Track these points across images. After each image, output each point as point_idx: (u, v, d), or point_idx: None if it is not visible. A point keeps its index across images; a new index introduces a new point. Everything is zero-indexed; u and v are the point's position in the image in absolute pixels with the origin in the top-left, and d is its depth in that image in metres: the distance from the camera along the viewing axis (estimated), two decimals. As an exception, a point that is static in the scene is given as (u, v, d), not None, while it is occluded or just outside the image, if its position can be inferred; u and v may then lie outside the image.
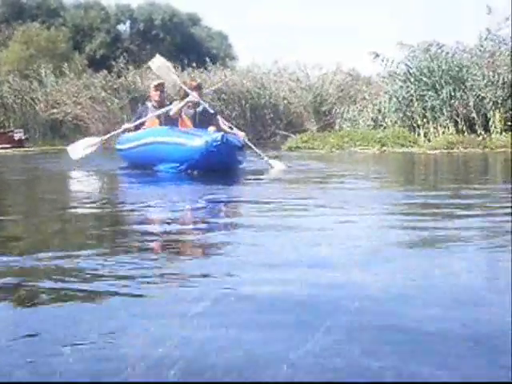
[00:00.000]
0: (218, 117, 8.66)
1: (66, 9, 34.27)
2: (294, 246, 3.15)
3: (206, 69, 21.89)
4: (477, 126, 13.25)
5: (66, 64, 22.42)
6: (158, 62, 9.00)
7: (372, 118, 15.18)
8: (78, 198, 5.80)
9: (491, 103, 13.19)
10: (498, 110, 13.12)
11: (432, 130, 13.54)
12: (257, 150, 8.75)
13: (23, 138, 18.81)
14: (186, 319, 2.02)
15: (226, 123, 8.96)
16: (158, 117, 8.51)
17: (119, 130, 9.64)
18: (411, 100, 14.11)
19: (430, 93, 13.79)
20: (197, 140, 7.41)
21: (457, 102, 13.43)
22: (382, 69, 15.40)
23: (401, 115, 14.31)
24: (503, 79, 13.21)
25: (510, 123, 13.11)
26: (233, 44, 38.79)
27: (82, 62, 26.12)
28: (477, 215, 4.08)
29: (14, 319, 2.10)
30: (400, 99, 14.37)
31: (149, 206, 5.08)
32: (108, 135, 10.45)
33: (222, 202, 5.38)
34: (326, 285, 2.43)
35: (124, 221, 4.49)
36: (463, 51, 14.79)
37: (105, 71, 21.27)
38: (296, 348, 1.76)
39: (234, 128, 9.03)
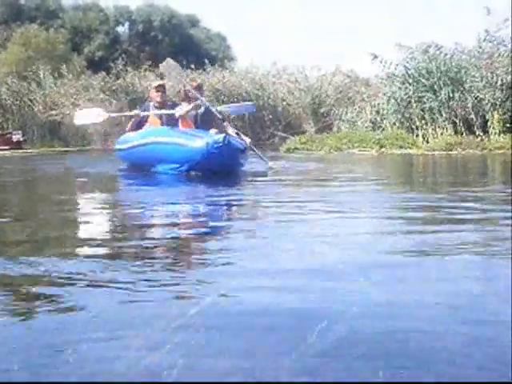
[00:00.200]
0: (226, 123, 8.57)
1: (64, 10, 34.28)
2: (291, 252, 3.14)
3: (204, 70, 21.90)
4: (475, 128, 13.26)
5: (65, 66, 22.42)
6: (170, 65, 8.90)
7: (370, 120, 15.19)
8: (75, 200, 5.78)
9: (490, 104, 13.20)
10: (496, 112, 13.13)
11: (430, 131, 13.56)
12: (261, 156, 8.73)
13: (21, 139, 18.84)
14: (175, 328, 2.01)
15: (234, 129, 8.87)
16: (160, 117, 8.42)
17: (129, 113, 9.49)
18: (409, 101, 14.12)
19: (428, 94, 13.81)
20: (198, 141, 7.28)
21: (455, 104, 13.44)
22: (380, 70, 15.42)
23: (399, 117, 14.32)
24: (502, 81, 13.21)
25: (508, 125, 13.12)
26: (231, 45, 38.84)
27: (81, 64, 26.13)
28: (475, 219, 4.06)
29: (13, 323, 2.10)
30: (398, 101, 14.38)
31: (147, 208, 5.08)
32: (117, 114, 10.34)
33: (219, 204, 5.35)
34: (321, 292, 2.42)
35: (122, 223, 4.47)
36: (462, 52, 14.80)
37: (103, 73, 21.27)
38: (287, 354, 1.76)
39: (241, 134, 8.91)
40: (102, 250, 3.34)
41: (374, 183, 7.02)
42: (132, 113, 9.24)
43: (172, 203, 5.44)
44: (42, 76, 21.66)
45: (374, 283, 2.47)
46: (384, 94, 15.24)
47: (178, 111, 8.12)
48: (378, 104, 15.26)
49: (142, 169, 8.23)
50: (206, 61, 22.95)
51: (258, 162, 8.64)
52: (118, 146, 9.03)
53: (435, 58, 14.28)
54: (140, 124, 8.61)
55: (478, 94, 13.36)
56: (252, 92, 20.46)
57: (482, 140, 12.73)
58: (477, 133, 13.15)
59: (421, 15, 51.99)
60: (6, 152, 16.51)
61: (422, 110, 13.82)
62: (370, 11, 66.08)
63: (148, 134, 8.18)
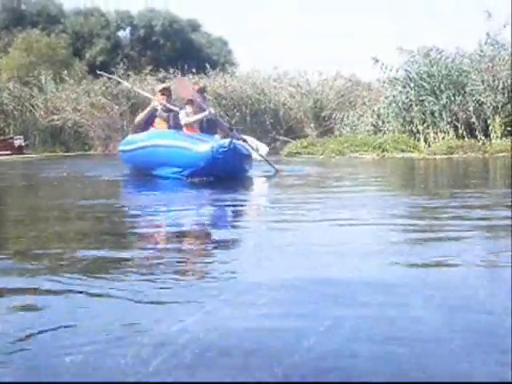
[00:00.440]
0: (234, 131, 8.48)
1: (66, 15, 34.34)
2: (292, 259, 3.13)
3: (205, 74, 21.92)
4: (476, 131, 13.26)
5: (66, 71, 22.45)
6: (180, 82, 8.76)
7: (372, 124, 15.21)
8: (77, 204, 5.77)
9: (491, 108, 13.20)
10: (497, 115, 13.13)
11: (432, 134, 13.56)
12: (267, 159, 8.70)
13: (23, 144, 18.90)
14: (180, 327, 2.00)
15: (240, 137, 8.74)
16: (167, 120, 8.31)
17: (150, 95, 9.27)
18: (411, 105, 14.13)
19: (429, 98, 13.81)
20: (203, 145, 7.10)
21: (456, 107, 13.44)
22: (381, 74, 15.43)
23: (401, 120, 14.33)
24: (503, 84, 13.22)
25: (509, 128, 13.12)
26: (233, 50, 38.89)
27: (82, 69, 26.17)
28: (477, 224, 4.04)
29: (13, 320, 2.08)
30: (400, 104, 14.39)
31: (148, 213, 5.07)
32: (139, 90, 10.11)
33: (221, 207, 5.34)
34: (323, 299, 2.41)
35: (123, 228, 4.46)
36: (463, 56, 14.82)
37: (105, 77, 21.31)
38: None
39: (257, 142, 8.83)
40: (100, 253, 3.32)
41: (374, 187, 7.00)
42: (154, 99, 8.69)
43: (172, 209, 5.43)
44: (43, 81, 21.69)
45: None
46: (385, 98, 15.26)
47: (184, 118, 7.97)
48: (379, 108, 15.29)
49: (143, 173, 8.12)
50: (207, 65, 22.97)
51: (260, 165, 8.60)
52: (120, 148, 8.95)
53: (436, 61, 14.30)
54: (147, 124, 8.51)
55: (479, 98, 13.36)
56: (253, 96, 20.47)
57: (483, 143, 12.73)
58: (478, 136, 13.15)
59: (422, 19, 52.00)
60: (7, 157, 16.54)
61: (424, 114, 13.83)
62: (372, 16, 66.12)
63: (152, 137, 8.03)
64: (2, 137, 19.90)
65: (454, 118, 13.49)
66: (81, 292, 2.46)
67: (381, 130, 14.73)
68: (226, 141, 7.04)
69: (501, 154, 11.74)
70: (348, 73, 21.83)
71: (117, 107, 19.97)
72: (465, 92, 13.65)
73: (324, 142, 14.34)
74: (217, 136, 7.68)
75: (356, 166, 10.34)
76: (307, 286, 2.51)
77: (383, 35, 56.14)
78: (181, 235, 3.94)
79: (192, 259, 3.12)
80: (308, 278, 2.62)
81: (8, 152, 17.49)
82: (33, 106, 21.03)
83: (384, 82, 15.91)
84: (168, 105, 8.26)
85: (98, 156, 17.73)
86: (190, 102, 8.12)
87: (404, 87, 14.48)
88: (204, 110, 8.02)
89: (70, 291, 2.48)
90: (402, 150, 12.92)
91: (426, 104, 13.81)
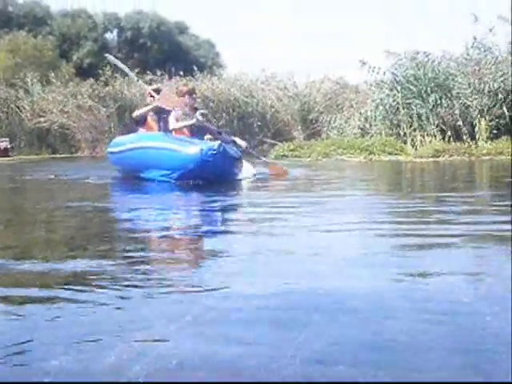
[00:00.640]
0: (223, 134, 8.41)
1: (52, 17, 34.21)
2: (280, 260, 3.12)
3: (193, 77, 21.88)
4: (463, 134, 13.31)
5: (53, 73, 22.33)
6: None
7: (359, 126, 15.24)
8: (64, 206, 5.73)
9: (477, 111, 13.26)
10: (483, 118, 13.19)
11: (418, 137, 13.60)
12: (259, 155, 8.67)
13: (9, 147, 18.78)
14: (166, 332, 1.98)
15: (230, 139, 8.66)
16: (158, 122, 8.23)
17: (149, 87, 9.14)
18: (398, 108, 14.16)
19: (416, 101, 13.86)
20: (192, 148, 7.07)
21: (443, 110, 13.49)
22: (369, 77, 15.47)
23: (388, 123, 14.37)
24: (489, 87, 13.28)
25: (495, 131, 13.18)
26: (220, 53, 38.90)
27: (69, 71, 26.03)
28: (464, 224, 4.05)
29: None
30: (387, 107, 14.44)
31: (136, 215, 5.05)
32: (140, 81, 9.84)
33: (209, 210, 5.33)
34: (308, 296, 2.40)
35: (111, 229, 4.44)
36: (449, 59, 14.88)
37: (92, 80, 21.23)
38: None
39: (237, 139, 8.75)
40: (89, 255, 3.30)
41: (361, 191, 7.01)
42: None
43: (160, 210, 5.41)
44: (29, 83, 21.55)
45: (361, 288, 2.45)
46: (372, 101, 15.29)
47: (172, 123, 7.87)
48: (367, 111, 15.32)
49: (132, 175, 8.05)
50: (195, 68, 22.94)
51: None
52: (109, 149, 8.89)
53: (423, 64, 14.35)
54: (138, 124, 8.45)
55: (465, 101, 13.42)
56: (241, 99, 20.45)
57: (469, 146, 12.77)
58: (465, 139, 13.20)
59: (412, 22, 52.17)
60: (-8, 159, 16.43)
61: (411, 117, 13.87)
62: (360, 18, 66.30)
63: (141, 138, 7.99)
64: (-12, 139, 19.75)
65: (440, 121, 13.53)
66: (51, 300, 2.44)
67: (368, 133, 14.76)
68: (216, 143, 7.00)
69: (487, 157, 11.79)
70: (336, 75, 21.88)
71: (104, 109, 19.89)
72: (451, 95, 13.71)
73: (311, 145, 14.35)
74: (207, 137, 7.61)
75: (343, 169, 10.35)
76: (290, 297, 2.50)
77: (371, 38, 56.21)
78: (163, 241, 3.91)
79: (168, 268, 3.05)
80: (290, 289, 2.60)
81: (-7, 154, 17.38)
82: (19, 108, 20.89)
83: (371, 85, 15.95)
84: (163, 105, 8.17)
85: (85, 158, 17.66)
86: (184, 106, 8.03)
87: (391, 90, 14.52)
88: (196, 111, 7.95)
89: (54, 298, 2.46)
90: (389, 153, 12.96)
91: (413, 107, 13.85)
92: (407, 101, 14.01)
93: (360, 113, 15.56)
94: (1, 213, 5.61)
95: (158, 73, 21.10)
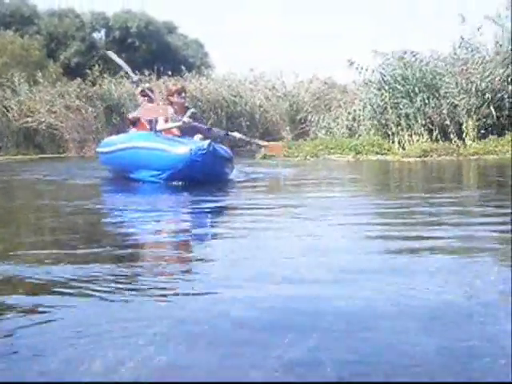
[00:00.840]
0: (214, 129, 8.29)
1: (40, 16, 34.05)
2: (268, 260, 3.10)
3: (181, 77, 21.83)
4: (451, 134, 13.34)
5: (40, 72, 22.22)
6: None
7: (347, 126, 15.26)
8: (53, 206, 5.69)
9: (465, 111, 13.29)
10: (471, 118, 13.22)
11: (406, 137, 13.61)
12: (256, 142, 8.66)
13: (-5, 146, 18.66)
14: (149, 337, 1.97)
15: (221, 132, 8.51)
16: (150, 122, 8.10)
17: (143, 86, 9.00)
18: (385, 108, 14.17)
19: (404, 100, 13.87)
20: (181, 147, 6.97)
21: (431, 110, 13.52)
22: (357, 76, 15.48)
23: (375, 123, 14.39)
24: (476, 87, 13.32)
25: (483, 131, 13.22)
26: (209, 53, 38.88)
27: (57, 71, 25.89)
28: (453, 225, 4.05)
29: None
30: (375, 107, 14.45)
31: (124, 216, 5.03)
32: (136, 77, 9.42)
33: (197, 212, 5.31)
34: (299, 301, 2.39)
35: (97, 231, 4.42)
36: (437, 59, 14.90)
37: (79, 79, 21.13)
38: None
39: (230, 133, 8.66)
40: (76, 257, 3.27)
41: (346, 189, 7.01)
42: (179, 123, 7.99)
43: (148, 211, 5.38)
44: (16, 83, 21.42)
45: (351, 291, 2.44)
46: (360, 101, 15.31)
47: (160, 124, 7.76)
48: (355, 110, 15.34)
49: (122, 175, 7.98)
50: (183, 67, 22.90)
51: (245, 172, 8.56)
52: (99, 149, 8.82)
53: (411, 64, 14.36)
54: (133, 124, 8.39)
55: (453, 101, 13.45)
56: (229, 99, 20.44)
57: (457, 146, 12.80)
58: (452, 139, 13.23)
59: (399, 23, 52.31)
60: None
61: (398, 117, 13.88)
62: (348, 19, 66.42)
63: (130, 138, 7.92)
64: (-25, 139, 19.63)
65: (428, 120, 13.56)
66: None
67: (356, 133, 14.78)
68: (205, 143, 6.88)
69: (475, 157, 11.82)
70: (324, 75, 21.92)
71: (91, 109, 19.80)
72: (439, 95, 13.74)
73: (299, 145, 14.35)
74: (197, 136, 7.53)
75: (331, 169, 10.35)
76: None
77: (359, 39, 56.34)
78: (149, 244, 3.90)
79: (155, 272, 3.03)
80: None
81: (-20, 154, 17.28)
82: (6, 108, 20.75)
83: (359, 85, 15.97)
84: (145, 117, 8.12)
85: (72, 158, 17.58)
86: (171, 103, 7.98)
87: (379, 90, 14.53)
88: (185, 112, 7.90)
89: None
90: (377, 153, 12.98)
91: (401, 107, 13.87)
92: (395, 100, 14.03)
93: (348, 112, 15.58)
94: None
95: (146, 72, 21.03)
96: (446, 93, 13.64)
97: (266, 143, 9.04)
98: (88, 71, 21.78)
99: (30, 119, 20.10)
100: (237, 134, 8.49)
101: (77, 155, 18.88)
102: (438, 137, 13.33)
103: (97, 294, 2.48)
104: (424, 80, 13.94)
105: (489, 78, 13.36)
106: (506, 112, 13.38)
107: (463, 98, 13.30)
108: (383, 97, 14.25)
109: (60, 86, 21.12)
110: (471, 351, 1.82)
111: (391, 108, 13.99)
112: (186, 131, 7.71)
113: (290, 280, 2.66)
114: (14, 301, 2.44)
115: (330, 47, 56.94)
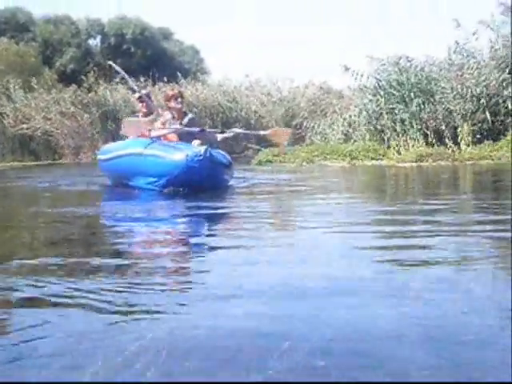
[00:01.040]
0: (207, 132, 8.04)
1: (35, 23, 33.99)
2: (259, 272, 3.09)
3: (177, 83, 21.85)
4: (446, 139, 13.35)
5: (36, 79, 22.22)
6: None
7: (342, 132, 15.26)
8: (48, 213, 5.67)
9: (460, 116, 13.31)
10: (466, 123, 13.24)
11: (402, 142, 13.62)
12: (246, 131, 8.50)
13: (-9, 153, 18.63)
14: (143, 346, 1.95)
15: (218, 134, 8.26)
16: (149, 130, 8.08)
17: (141, 92, 8.88)
18: (381, 113, 14.19)
19: (399, 106, 13.89)
20: (177, 154, 6.82)
21: (426, 115, 13.53)
22: (352, 82, 15.50)
23: (371, 128, 14.40)
24: (471, 92, 13.34)
25: (478, 136, 13.24)
26: (205, 59, 38.88)
27: (52, 77, 25.86)
28: (448, 232, 4.04)
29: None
30: (370, 112, 14.47)
31: (119, 225, 5.01)
32: (138, 89, 9.12)
33: (193, 219, 5.29)
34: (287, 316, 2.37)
35: (92, 238, 4.40)
36: (432, 64, 14.94)
37: (75, 86, 21.14)
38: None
39: (227, 131, 8.54)
40: (68, 265, 3.25)
41: (345, 196, 7.00)
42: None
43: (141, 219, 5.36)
44: (12, 89, 21.41)
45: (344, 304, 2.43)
46: (356, 106, 15.33)
47: (155, 130, 7.66)
48: (350, 116, 15.35)
49: (121, 182, 7.90)
50: (179, 74, 22.91)
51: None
52: (99, 157, 8.75)
53: (406, 69, 14.39)
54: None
55: (448, 106, 13.47)
56: (225, 104, 20.46)
57: (452, 151, 12.81)
58: (448, 144, 13.24)
59: (396, 28, 52.47)
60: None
61: (394, 122, 13.89)
62: (344, 24, 66.54)
63: (127, 145, 7.79)
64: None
65: (423, 125, 13.57)
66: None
67: (351, 138, 14.79)
68: (202, 148, 6.74)
69: (470, 162, 11.82)
70: (319, 81, 21.97)
71: (87, 116, 19.80)
72: (434, 100, 13.76)
73: (295, 151, 14.36)
74: (195, 142, 7.32)
75: (327, 174, 10.34)
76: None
77: (355, 43, 56.44)
78: (143, 250, 3.88)
79: (148, 277, 3.02)
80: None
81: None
82: (1, 115, 20.74)
83: (355, 90, 16.00)
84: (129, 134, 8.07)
85: (68, 165, 17.55)
86: (169, 109, 7.91)
87: (374, 95, 14.56)
88: (185, 115, 7.83)
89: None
90: (372, 158, 12.98)
91: (396, 112, 13.88)
92: (390, 106, 14.05)
93: (343, 118, 15.59)
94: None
95: (142, 79, 21.05)
96: (441, 98, 13.66)
97: (268, 131, 8.93)
98: (83, 78, 21.78)
99: (25, 126, 20.10)
100: (236, 130, 8.33)
101: (72, 162, 18.86)
102: (433, 142, 13.34)
103: (90, 303, 2.46)
104: (419, 85, 13.96)
105: (484, 83, 13.39)
106: (501, 117, 13.40)
107: (458, 103, 13.33)
108: (378, 102, 14.27)
109: (55, 92, 21.13)
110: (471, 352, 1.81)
111: (386, 113, 14.00)
112: (184, 137, 7.60)
113: (285, 291, 2.64)
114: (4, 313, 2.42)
115: (325, 52, 56.95)
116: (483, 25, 14.13)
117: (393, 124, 13.85)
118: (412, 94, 13.83)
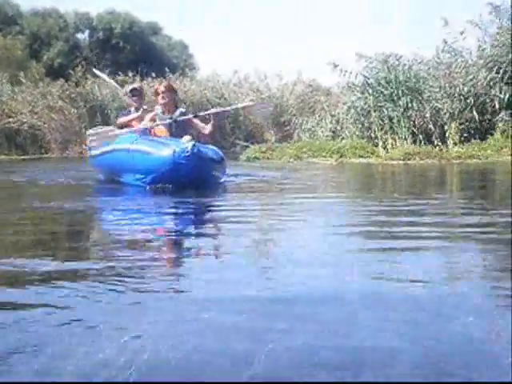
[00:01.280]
0: (197, 121, 7.70)
1: (23, 16, 33.79)
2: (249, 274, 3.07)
3: (165, 78, 21.78)
4: (434, 138, 13.40)
5: (23, 73, 22.08)
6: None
7: (330, 129, 15.28)
8: (36, 209, 5.63)
9: (448, 115, 13.36)
10: (454, 122, 13.29)
11: (390, 140, 13.65)
12: (225, 109, 8.45)
13: (-24, 147, 18.48)
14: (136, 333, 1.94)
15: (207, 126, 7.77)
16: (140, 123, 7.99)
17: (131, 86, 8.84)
18: (369, 111, 14.21)
19: (387, 104, 13.92)
20: (164, 149, 6.64)
21: (414, 114, 13.57)
22: (341, 79, 15.51)
23: (359, 126, 14.42)
24: (459, 91, 13.39)
25: (465, 135, 13.29)
26: (194, 54, 38.82)
27: (40, 71, 25.74)
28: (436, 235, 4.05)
29: None
30: (358, 110, 14.48)
31: (107, 220, 4.99)
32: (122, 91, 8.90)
33: (181, 215, 5.27)
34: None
35: (79, 233, 4.37)
36: (420, 63, 14.99)
37: (62, 80, 21.02)
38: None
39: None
40: (56, 263, 3.23)
41: (332, 193, 7.00)
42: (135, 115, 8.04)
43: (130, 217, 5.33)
44: (-2, 83, 21.26)
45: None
46: (344, 104, 15.34)
47: (144, 123, 7.58)
48: (338, 113, 15.37)
49: (111, 178, 7.80)
50: (167, 69, 22.86)
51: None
52: (89, 152, 8.66)
53: (394, 67, 14.42)
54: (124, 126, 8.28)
55: (436, 104, 13.51)
56: (213, 101, 20.42)
57: (440, 150, 12.85)
58: (435, 143, 13.29)
59: (384, 26, 52.60)
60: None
61: (382, 120, 13.92)
62: (334, 21, 66.64)
63: (117, 141, 7.63)
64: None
65: (411, 124, 13.61)
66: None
67: (339, 136, 14.81)
68: (190, 144, 6.55)
69: (457, 161, 11.86)
70: (308, 78, 21.97)
71: (74, 110, 19.70)
72: (422, 98, 13.80)
73: (282, 147, 14.36)
74: (185, 137, 7.04)
75: (314, 172, 10.34)
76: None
77: (344, 41, 56.58)
78: (132, 244, 3.86)
79: (138, 272, 3.00)
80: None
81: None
82: (-13, 109, 20.56)
83: (343, 88, 16.02)
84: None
85: (55, 159, 17.45)
86: (160, 103, 7.79)
87: (362, 93, 14.58)
88: (174, 111, 7.71)
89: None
90: (360, 156, 13.00)
91: (384, 110, 13.91)
92: (378, 104, 14.07)
93: (332, 115, 15.61)
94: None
95: (130, 74, 20.97)
96: (429, 96, 13.71)
97: (249, 103, 8.83)
98: (71, 72, 21.66)
99: (11, 120, 19.93)
100: (212, 110, 8.07)
101: (59, 156, 18.75)
102: (421, 140, 13.38)
103: (84, 290, 2.47)
104: (407, 83, 14.00)
105: (472, 82, 13.44)
106: (489, 116, 13.46)
107: (446, 102, 13.37)
108: (367, 100, 14.29)
109: (43, 86, 21.01)
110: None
111: (375, 111, 14.03)
112: (176, 131, 7.47)
113: (271, 289, 2.64)
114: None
115: (314, 49, 57.01)
116: (471, 24, 14.18)
117: (381, 122, 13.88)
118: (400, 92, 13.86)
